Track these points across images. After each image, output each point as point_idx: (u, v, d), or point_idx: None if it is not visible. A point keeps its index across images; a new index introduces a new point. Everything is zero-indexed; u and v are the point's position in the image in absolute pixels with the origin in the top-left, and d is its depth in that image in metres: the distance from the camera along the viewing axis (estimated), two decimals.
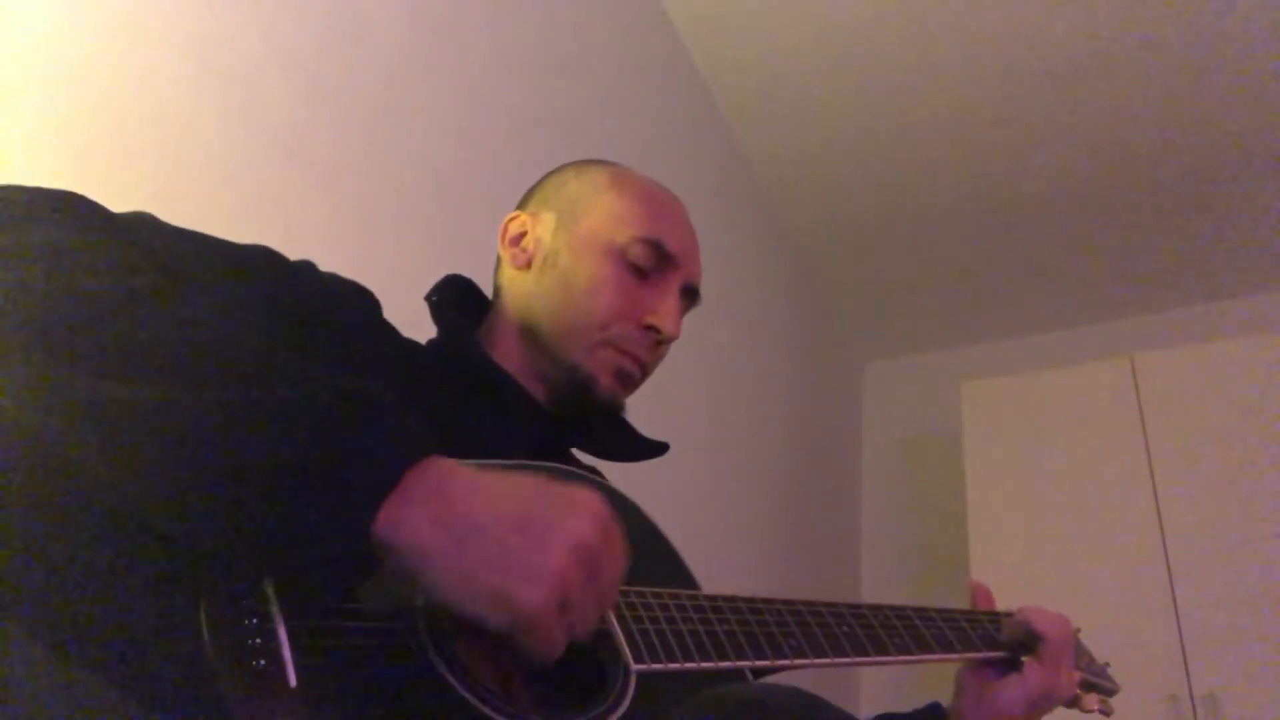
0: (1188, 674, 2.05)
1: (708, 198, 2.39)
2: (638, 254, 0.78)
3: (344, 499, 0.43)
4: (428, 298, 0.83)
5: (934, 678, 0.74)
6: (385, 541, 0.43)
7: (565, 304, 0.77)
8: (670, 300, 0.79)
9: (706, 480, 2.16)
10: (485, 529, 0.45)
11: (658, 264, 0.79)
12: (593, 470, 0.84)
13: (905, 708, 0.84)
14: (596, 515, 0.48)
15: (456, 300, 0.85)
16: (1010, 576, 2.30)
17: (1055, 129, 2.48)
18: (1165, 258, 2.87)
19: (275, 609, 0.43)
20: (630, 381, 0.79)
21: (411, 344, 0.78)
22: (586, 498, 0.48)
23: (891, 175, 2.70)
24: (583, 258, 0.78)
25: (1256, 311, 2.90)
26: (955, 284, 3.13)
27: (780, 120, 2.57)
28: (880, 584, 3.08)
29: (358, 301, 0.74)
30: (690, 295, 0.83)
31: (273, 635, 0.42)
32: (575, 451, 0.87)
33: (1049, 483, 2.47)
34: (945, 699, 0.85)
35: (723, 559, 2.14)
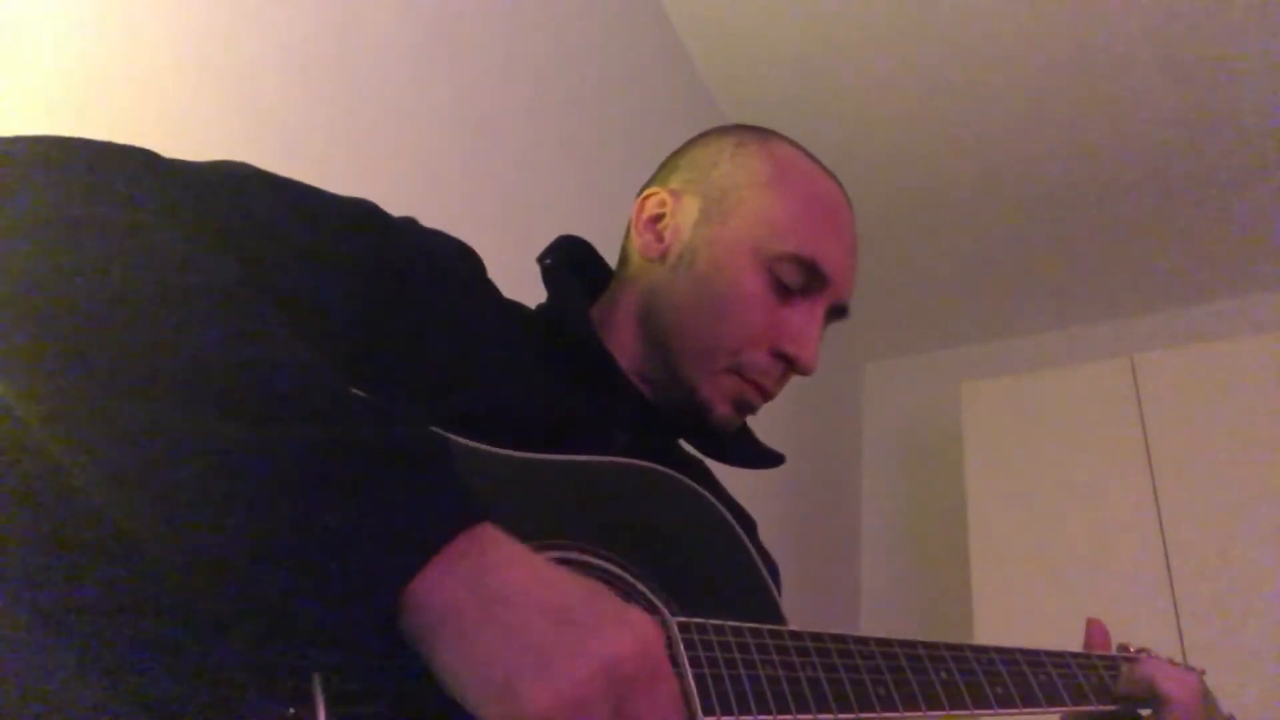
0: None
1: None
2: (787, 272, 0.69)
3: (381, 561, 0.37)
4: (540, 259, 0.75)
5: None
6: (413, 607, 0.37)
7: (696, 314, 0.69)
8: (813, 327, 0.70)
9: None
10: (515, 606, 0.38)
11: (807, 284, 0.70)
12: (697, 464, 0.79)
13: None
14: (643, 639, 0.40)
15: (571, 266, 0.77)
16: (1010, 576, 2.30)
17: (1055, 129, 2.48)
18: (1165, 258, 2.87)
19: (317, 689, 0.39)
20: (750, 410, 0.73)
21: (517, 308, 0.73)
22: (640, 618, 0.41)
23: (891, 176, 2.70)
24: (725, 263, 0.69)
25: (1256, 311, 2.90)
26: (955, 284, 3.13)
27: (780, 120, 2.56)
28: (880, 584, 3.08)
29: (459, 262, 0.69)
30: (837, 313, 0.75)
31: (307, 680, 0.39)
32: (682, 443, 0.81)
33: (1049, 483, 2.47)
34: None
35: None
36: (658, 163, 0.85)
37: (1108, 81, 2.32)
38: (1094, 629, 0.84)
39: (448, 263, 0.67)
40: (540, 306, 0.75)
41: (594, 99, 1.95)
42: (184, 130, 1.10)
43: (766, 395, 0.72)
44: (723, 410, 0.71)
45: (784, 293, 0.70)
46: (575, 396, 0.66)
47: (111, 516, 0.38)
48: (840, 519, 3.12)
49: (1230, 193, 2.60)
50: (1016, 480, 2.52)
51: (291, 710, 0.38)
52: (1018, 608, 2.26)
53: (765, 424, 2.85)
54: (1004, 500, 2.50)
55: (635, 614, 0.41)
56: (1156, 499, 2.30)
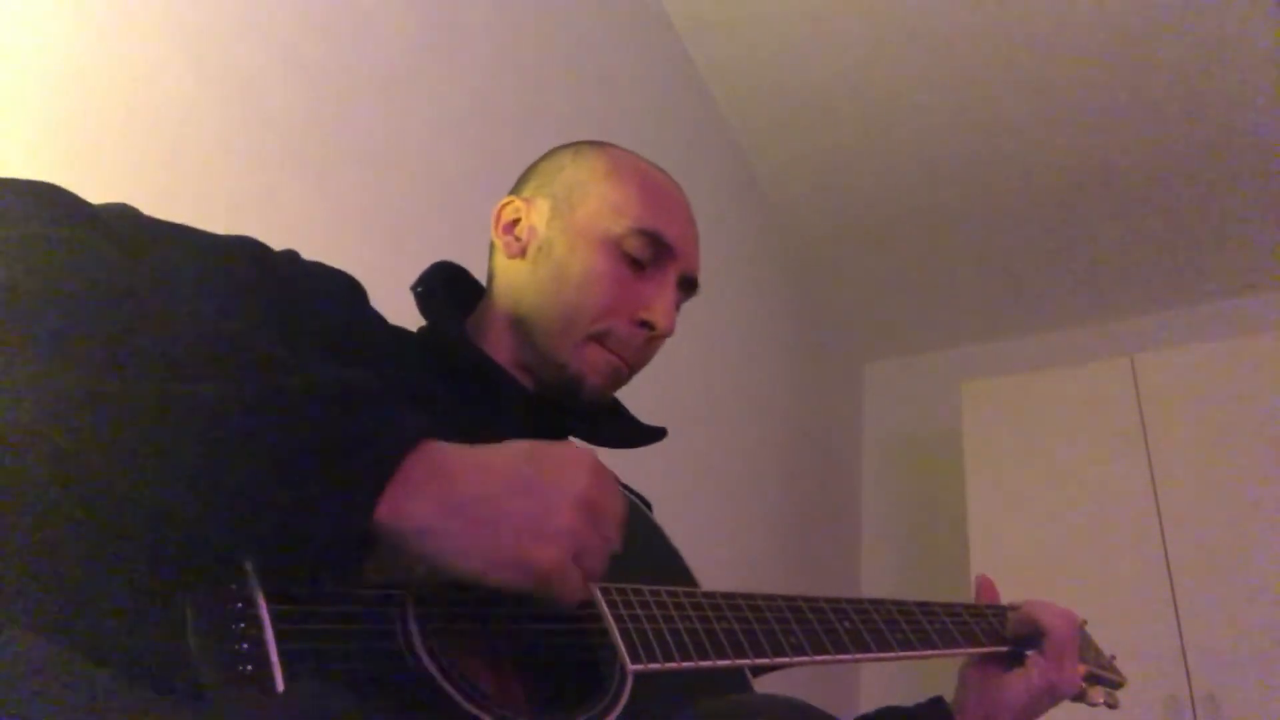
0: (1188, 674, 2.05)
1: (707, 198, 2.39)
2: (634, 246, 0.76)
3: (346, 486, 0.43)
4: (413, 288, 0.81)
5: (935, 672, 0.74)
6: (389, 527, 0.44)
7: (557, 297, 0.75)
8: (667, 294, 0.77)
9: (706, 480, 2.16)
10: (488, 500, 0.46)
11: (655, 256, 0.77)
12: None
13: (907, 702, 0.84)
14: (589, 466, 0.50)
15: (446, 288, 0.83)
16: (1010, 576, 2.29)
17: (1056, 129, 2.48)
18: (1165, 258, 2.87)
19: (263, 612, 0.42)
20: (619, 378, 0.78)
21: (400, 332, 0.77)
22: (575, 452, 0.51)
23: (892, 176, 2.70)
24: (577, 249, 0.76)
25: (1256, 311, 2.90)
26: (955, 284, 3.13)
27: (780, 120, 2.57)
28: (880, 584, 3.08)
29: (343, 290, 0.73)
30: (688, 286, 0.81)
31: (258, 640, 0.41)
32: (572, 439, 0.85)
33: (1049, 483, 2.47)
34: (948, 694, 0.85)
35: (722, 559, 2.14)
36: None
37: (1107, 82, 2.32)
38: (983, 584, 0.92)
39: (331, 294, 0.70)
40: (421, 329, 0.79)
41: (593, 98, 1.95)
42: (184, 130, 1.10)
43: (631, 364, 0.78)
44: (593, 380, 0.76)
45: (636, 267, 0.76)
46: (464, 406, 0.72)
47: (98, 478, 0.42)
48: (840, 519, 3.12)
49: (1230, 193, 2.60)
50: (1016, 480, 2.52)
51: (249, 668, 0.40)
52: (1023, 600, 2.25)
53: (766, 423, 2.83)
54: (1004, 500, 2.50)
55: (569, 450, 0.51)
56: (1156, 499, 2.30)
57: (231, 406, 0.43)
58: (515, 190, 0.86)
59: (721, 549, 2.16)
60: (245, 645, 0.41)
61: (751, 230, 2.71)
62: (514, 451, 0.50)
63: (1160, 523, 2.27)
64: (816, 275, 3.16)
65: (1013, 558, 2.37)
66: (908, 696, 0.88)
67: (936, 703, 0.83)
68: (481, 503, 0.46)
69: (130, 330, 0.45)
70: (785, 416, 2.78)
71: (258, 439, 0.42)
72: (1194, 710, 2.01)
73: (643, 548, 0.69)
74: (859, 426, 3.47)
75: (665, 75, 2.29)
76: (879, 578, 3.11)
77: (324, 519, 0.42)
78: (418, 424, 0.48)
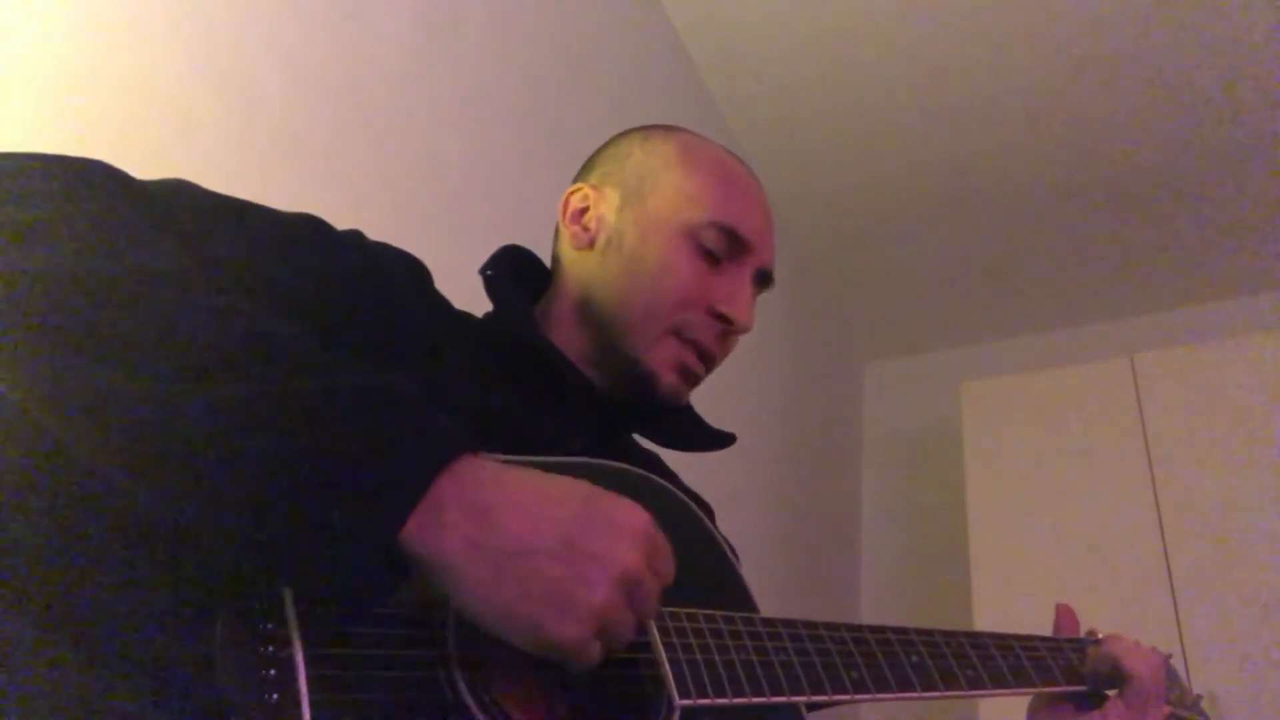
0: (1188, 674, 2.05)
1: None
2: (711, 239, 0.72)
3: (369, 506, 0.39)
4: (483, 271, 0.77)
5: (980, 703, 0.71)
6: (416, 554, 0.41)
7: (631, 289, 0.72)
8: (744, 289, 0.74)
9: (705, 479, 2.16)
10: (522, 556, 0.42)
11: (730, 250, 0.73)
12: (652, 458, 0.80)
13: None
14: (641, 537, 0.45)
15: (514, 274, 0.79)
16: (1010, 576, 2.30)
17: (1056, 129, 2.48)
18: (1165, 258, 2.87)
19: (295, 634, 0.40)
20: (693, 378, 0.75)
21: (465, 317, 0.74)
22: (630, 517, 0.46)
23: (892, 176, 2.70)
24: (650, 239, 0.72)
25: (1256, 311, 2.90)
26: (955, 284, 3.13)
27: (780, 120, 2.57)
28: (880, 584, 3.08)
29: (407, 273, 0.70)
30: (763, 280, 0.78)
31: (289, 664, 0.39)
32: (636, 436, 0.83)
33: (1049, 482, 2.47)
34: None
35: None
36: None
37: (1107, 82, 2.32)
38: (1062, 614, 0.87)
39: (396, 276, 0.67)
40: (487, 315, 0.76)
41: (593, 98, 1.95)
42: (184, 130, 1.10)
43: (706, 359, 0.74)
44: (668, 379, 0.72)
45: (711, 260, 0.73)
46: (530, 401, 0.68)
47: (114, 485, 0.40)
48: (840, 519, 3.12)
49: (1230, 193, 2.60)
50: (1016, 480, 2.51)
51: (274, 697, 0.38)
52: (1017, 607, 2.25)
53: (767, 422, 2.83)
54: (1004, 500, 2.49)
55: (625, 513, 0.46)
56: (1156, 499, 2.30)
57: (251, 408, 0.40)
58: (581, 176, 0.82)
59: None
60: (273, 672, 0.38)
61: None
62: (565, 497, 0.45)
63: (1160, 523, 2.26)
64: (816, 275, 3.16)
65: (1013, 558, 2.37)
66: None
67: None
68: (514, 557, 0.42)
69: (149, 326, 0.42)
70: (785, 416, 2.78)
71: (279, 444, 0.39)
72: None
73: (697, 559, 0.65)
74: (859, 426, 3.47)
75: (663, 74, 2.29)
76: (879, 578, 3.11)
77: (348, 537, 0.39)
78: (456, 436, 0.44)
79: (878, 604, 3.04)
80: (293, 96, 1.25)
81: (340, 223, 1.29)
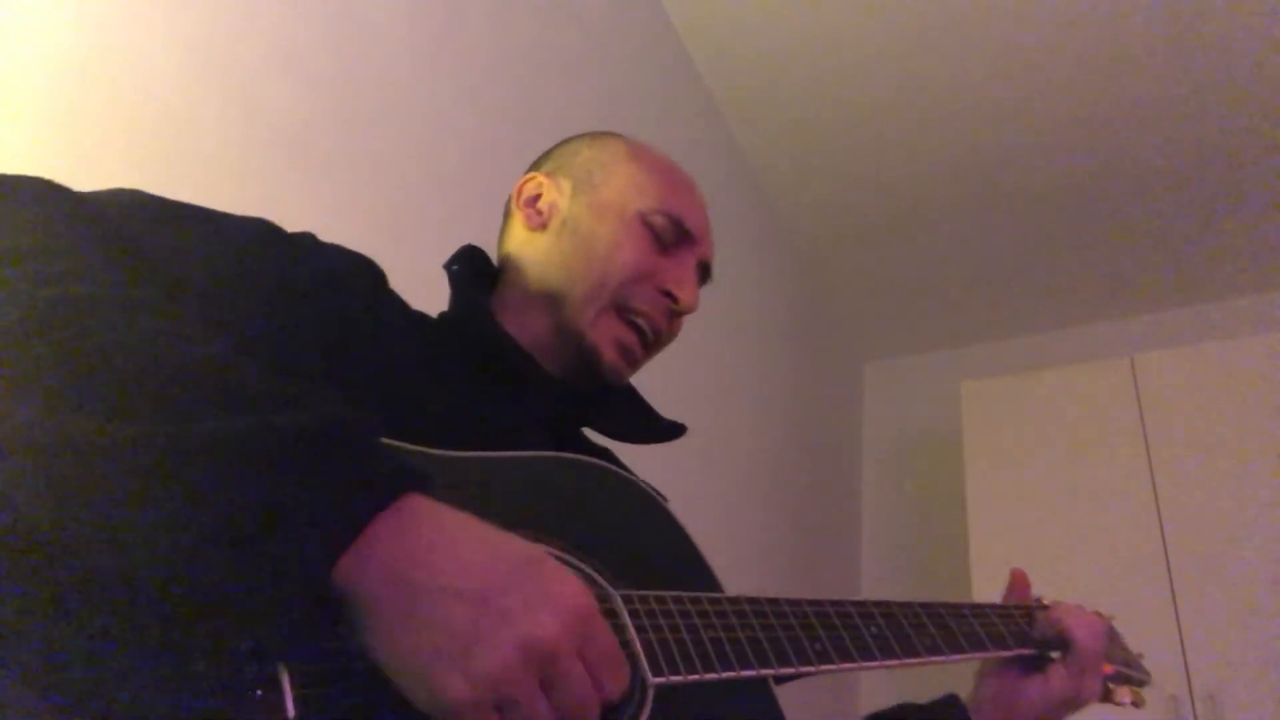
0: (1188, 674, 2.05)
1: (708, 197, 2.39)
2: (660, 224, 0.77)
3: (300, 548, 0.37)
4: (447, 266, 0.81)
5: (935, 671, 0.74)
6: (343, 590, 0.39)
7: (585, 265, 0.76)
8: (690, 273, 0.79)
9: (706, 479, 2.16)
10: (435, 597, 0.39)
11: (677, 238, 0.78)
12: (604, 452, 0.82)
13: (908, 697, 0.84)
14: (569, 614, 0.41)
15: (473, 271, 0.83)
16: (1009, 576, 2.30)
17: (1056, 129, 2.48)
18: (1165, 258, 2.87)
19: (282, 671, 0.39)
20: (633, 357, 0.78)
21: (421, 316, 0.76)
22: (565, 591, 0.42)
23: (892, 175, 2.70)
24: (605, 221, 0.77)
25: (1256, 311, 2.90)
26: (955, 284, 3.13)
27: (781, 120, 2.57)
28: (880, 584, 3.08)
29: (362, 273, 0.71)
30: (704, 274, 0.83)
31: (270, 663, 0.39)
32: (587, 432, 0.85)
33: (1049, 483, 2.47)
34: (943, 692, 0.84)
35: (722, 559, 2.13)
36: None
37: (1107, 83, 2.32)
38: (1016, 579, 0.91)
39: (351, 277, 0.68)
40: (443, 314, 0.79)
41: (594, 98, 1.95)
42: (184, 130, 1.10)
43: (648, 340, 0.77)
44: (610, 357, 0.75)
45: (659, 244, 0.78)
46: (485, 396, 0.70)
47: (46, 526, 0.38)
48: (840, 519, 3.12)
49: (1230, 193, 2.60)
50: (1016, 480, 2.52)
51: (259, 693, 0.38)
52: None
53: (766, 422, 2.82)
54: (1004, 500, 2.50)
55: (558, 588, 0.42)
56: (1156, 499, 2.30)
57: (187, 447, 0.38)
58: (533, 168, 0.87)
59: (721, 548, 2.15)
60: (254, 668, 0.39)
61: (752, 230, 2.71)
62: (502, 551, 0.43)
63: (1160, 523, 2.27)
64: (816, 275, 3.16)
65: (1013, 558, 2.34)
66: (906, 691, 0.87)
67: (951, 701, 0.82)
68: (426, 595, 0.39)
69: (81, 356, 0.40)
70: (785, 416, 2.78)
71: (204, 489, 0.37)
72: (1194, 710, 2.01)
73: (663, 546, 0.67)
74: (859, 426, 3.47)
75: (666, 75, 2.29)
76: (879, 577, 3.11)
77: (263, 589, 0.37)
78: (399, 477, 0.42)
79: None
80: (293, 96, 1.25)
81: (342, 222, 1.29)
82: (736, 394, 2.44)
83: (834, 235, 2.98)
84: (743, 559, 2.29)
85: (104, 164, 0.99)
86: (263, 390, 0.42)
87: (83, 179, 0.95)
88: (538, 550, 0.44)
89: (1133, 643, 0.91)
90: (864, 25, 2.26)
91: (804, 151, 2.66)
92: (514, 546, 0.43)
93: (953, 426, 2.77)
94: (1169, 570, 2.19)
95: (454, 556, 0.41)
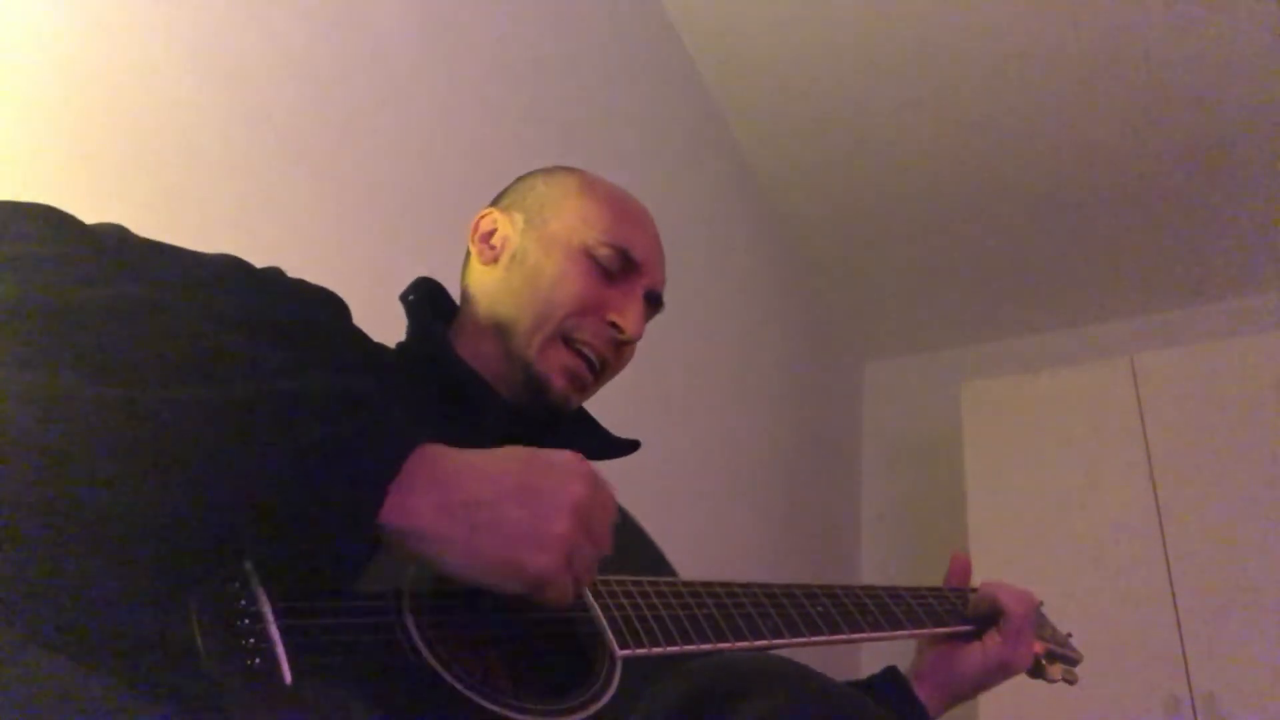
0: (1188, 674, 2.05)
1: (707, 197, 2.39)
2: (605, 256, 0.80)
3: (352, 488, 0.45)
4: (403, 296, 0.84)
5: (878, 650, 0.79)
6: (393, 527, 0.46)
7: (531, 297, 0.79)
8: (634, 303, 0.81)
9: (706, 480, 2.16)
10: (486, 505, 0.48)
11: (623, 268, 0.81)
12: None
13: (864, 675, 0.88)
14: (585, 474, 0.52)
15: (430, 302, 0.87)
16: (1010, 577, 2.30)
17: (1056, 130, 2.48)
18: (1165, 258, 2.87)
19: (266, 608, 0.43)
20: (581, 384, 0.81)
21: (380, 347, 0.79)
22: (572, 460, 0.53)
23: (892, 175, 2.70)
24: (551, 254, 0.80)
25: (1256, 311, 2.90)
26: (955, 284, 3.13)
27: (780, 119, 2.57)
28: (880, 583, 3.08)
29: (327, 307, 0.75)
30: (653, 301, 0.85)
31: (265, 633, 0.42)
32: None
33: (1049, 483, 2.47)
34: (903, 665, 0.89)
35: (721, 559, 2.14)
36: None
37: (1106, 83, 2.32)
38: (956, 561, 0.97)
39: (316, 312, 0.73)
40: (400, 344, 0.82)
41: (593, 98, 1.95)
42: (184, 130, 1.10)
43: (594, 367, 0.81)
44: (559, 384, 0.79)
45: (605, 275, 0.80)
46: (444, 421, 0.75)
47: (97, 485, 0.43)
48: (840, 519, 3.12)
49: (1230, 193, 2.60)
50: (1016, 480, 2.52)
51: (257, 660, 0.41)
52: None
53: (766, 422, 2.82)
54: (1004, 500, 2.50)
55: (565, 457, 0.53)
56: (1156, 499, 2.30)
57: (233, 410, 0.44)
58: (493, 203, 0.91)
59: (721, 548, 2.16)
60: (251, 640, 0.42)
61: (751, 230, 2.71)
62: (512, 457, 0.51)
63: (1160, 523, 2.27)
64: (816, 275, 3.16)
65: (1013, 558, 2.37)
66: (854, 669, 0.90)
67: (891, 672, 0.87)
68: (479, 508, 0.48)
69: (129, 341, 0.46)
70: (785, 416, 2.78)
71: (262, 442, 0.44)
72: (1194, 710, 2.01)
73: (631, 549, 0.73)
74: (859, 426, 3.47)
75: (666, 77, 2.29)
76: (879, 577, 3.11)
77: (332, 520, 0.44)
78: (413, 427, 0.49)
79: None
80: (293, 97, 1.25)
81: (343, 222, 1.30)
82: (736, 394, 2.44)
83: (834, 236, 2.98)
84: (742, 558, 2.29)
85: (104, 164, 0.99)
86: (289, 364, 0.49)
87: (84, 179, 0.95)
88: (524, 448, 0.53)
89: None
90: (864, 26, 2.26)
91: (804, 151, 2.66)
92: (513, 451, 0.52)
93: (953, 426, 2.77)
94: (1169, 570, 2.19)
95: (480, 474, 0.49)
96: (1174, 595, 2.16)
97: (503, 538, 0.47)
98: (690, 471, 2.04)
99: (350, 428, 0.46)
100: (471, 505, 0.48)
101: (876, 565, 3.15)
